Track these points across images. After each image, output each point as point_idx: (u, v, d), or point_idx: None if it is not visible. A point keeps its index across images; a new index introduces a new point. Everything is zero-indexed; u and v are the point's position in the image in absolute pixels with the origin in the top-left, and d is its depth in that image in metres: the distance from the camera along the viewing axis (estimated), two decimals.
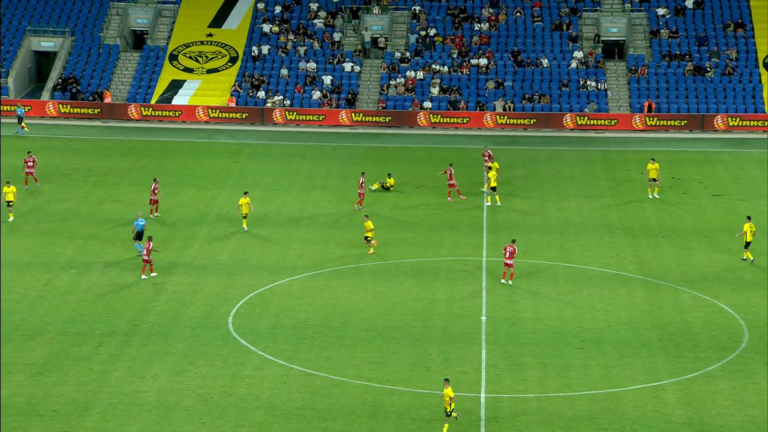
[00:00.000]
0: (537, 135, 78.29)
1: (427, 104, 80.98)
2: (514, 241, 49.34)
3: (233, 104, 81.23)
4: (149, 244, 49.03)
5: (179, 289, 48.34)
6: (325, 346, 42.83)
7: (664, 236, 56.13)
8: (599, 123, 79.04)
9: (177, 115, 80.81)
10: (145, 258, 49.08)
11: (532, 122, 79.29)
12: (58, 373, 40.34)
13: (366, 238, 52.72)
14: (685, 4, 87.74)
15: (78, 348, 42.39)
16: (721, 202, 61.85)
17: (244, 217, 55.77)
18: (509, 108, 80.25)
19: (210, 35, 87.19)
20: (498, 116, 79.50)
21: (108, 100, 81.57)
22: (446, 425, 35.75)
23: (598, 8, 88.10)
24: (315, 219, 58.54)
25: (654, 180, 61.71)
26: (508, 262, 48.64)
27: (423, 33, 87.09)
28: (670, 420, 37.17)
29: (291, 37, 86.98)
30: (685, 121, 78.86)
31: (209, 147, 74.34)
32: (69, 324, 44.67)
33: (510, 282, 48.62)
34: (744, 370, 40.86)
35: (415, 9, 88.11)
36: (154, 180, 58.64)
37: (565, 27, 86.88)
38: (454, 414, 35.92)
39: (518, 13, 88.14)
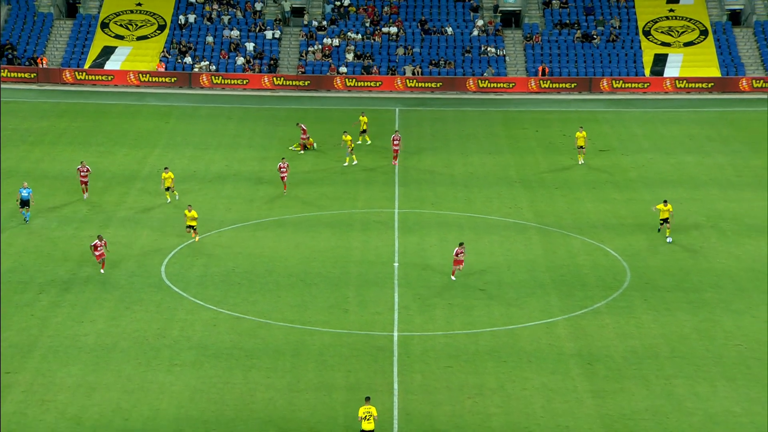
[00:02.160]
0: (443, 97, 78.50)
1: (343, 69, 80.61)
2: (462, 244, 43.98)
3: (162, 69, 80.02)
4: (100, 242, 43.66)
5: (115, 241, 47.69)
6: (251, 291, 42.75)
7: (557, 188, 56.82)
8: (499, 86, 79.47)
9: (109, 79, 79.39)
10: (97, 253, 43.76)
11: (438, 85, 79.43)
12: (1, 318, 39.67)
13: (189, 227, 47.35)
14: None
15: (20, 296, 41.71)
16: (607, 157, 62.74)
17: (167, 190, 52.80)
18: (418, 72, 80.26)
19: (139, 4, 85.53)
20: (408, 80, 79.49)
21: (44, 64, 79.78)
22: None
23: None
24: (241, 175, 58.12)
25: (581, 147, 60.18)
26: (459, 258, 43.75)
27: (338, 3, 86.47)
28: (562, 352, 37.85)
29: (215, 6, 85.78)
30: (575, 84, 79.66)
31: (140, 109, 73.23)
32: (11, 273, 43.90)
33: (453, 278, 43.95)
34: (626, 307, 41.71)
35: None
36: (81, 162, 53.93)
37: None
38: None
39: None
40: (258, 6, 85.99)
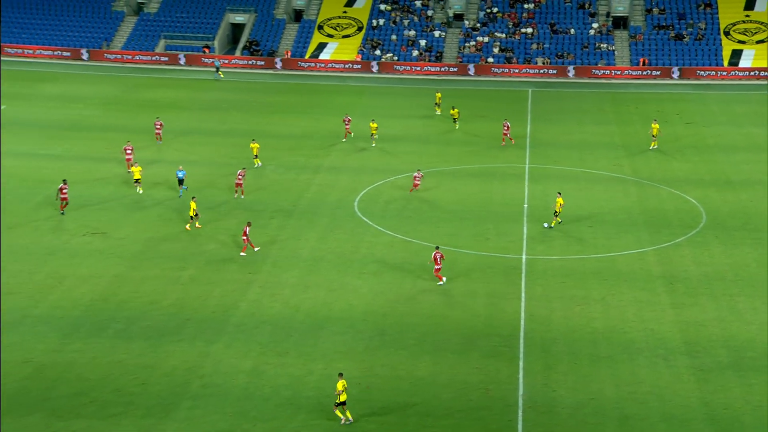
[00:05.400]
0: (566, 81, 76.04)
1: (491, 60, 79.07)
2: (438, 248, 36.50)
3: (360, 59, 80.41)
4: (247, 228, 38.24)
5: (323, 183, 48.63)
6: (418, 222, 42.86)
7: (651, 151, 54.48)
8: (609, 73, 76.34)
9: (323, 66, 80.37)
10: (244, 238, 38.30)
11: (562, 72, 76.92)
12: None
13: (192, 217, 40.85)
14: None
15: (257, 221, 42.98)
16: (691, 128, 59.70)
17: (256, 157, 49.67)
18: (547, 62, 77.94)
19: (345, 12, 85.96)
20: (539, 69, 77.32)
21: (287, 56, 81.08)
22: (339, 413, 26.32)
23: None
24: (412, 137, 58.04)
25: (654, 137, 54.30)
26: (438, 266, 35.36)
27: (488, 10, 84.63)
28: (650, 274, 36.64)
29: (399, 13, 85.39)
30: (668, 72, 75.80)
31: (343, 88, 73.91)
32: (251, 204, 45.33)
33: (442, 281, 35.33)
34: (702, 242, 39.94)
35: None
36: (243, 168, 46.78)
37: (586, 6, 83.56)
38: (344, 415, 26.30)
39: None
40: (429, 12, 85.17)
